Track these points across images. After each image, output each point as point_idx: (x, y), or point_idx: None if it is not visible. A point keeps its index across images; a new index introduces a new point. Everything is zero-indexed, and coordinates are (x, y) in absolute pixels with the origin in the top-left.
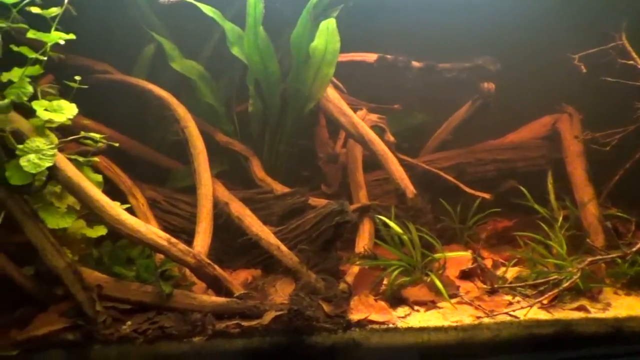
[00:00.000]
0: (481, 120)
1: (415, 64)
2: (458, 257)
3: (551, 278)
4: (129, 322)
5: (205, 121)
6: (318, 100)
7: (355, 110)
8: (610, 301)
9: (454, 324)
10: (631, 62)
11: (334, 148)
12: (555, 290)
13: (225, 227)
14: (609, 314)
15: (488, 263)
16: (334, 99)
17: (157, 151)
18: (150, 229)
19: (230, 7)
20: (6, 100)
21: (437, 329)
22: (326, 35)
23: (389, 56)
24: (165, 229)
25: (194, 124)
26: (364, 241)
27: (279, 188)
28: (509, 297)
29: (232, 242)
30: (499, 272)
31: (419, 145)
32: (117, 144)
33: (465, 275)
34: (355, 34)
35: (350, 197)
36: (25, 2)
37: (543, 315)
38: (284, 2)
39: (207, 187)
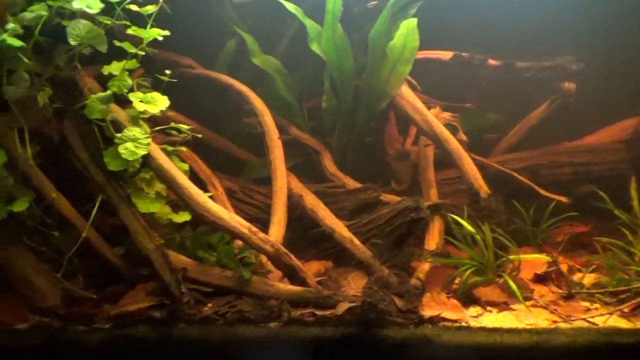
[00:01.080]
0: (557, 121)
1: (491, 62)
2: (531, 260)
3: (634, 286)
4: (209, 304)
5: (280, 115)
6: (392, 98)
7: (428, 108)
8: None
9: (529, 327)
10: None
11: (404, 145)
12: (638, 299)
13: (298, 219)
14: None
15: (563, 268)
16: (408, 96)
17: (233, 143)
18: (233, 217)
19: (303, 3)
20: (108, 92)
21: (510, 331)
22: (406, 33)
23: (464, 54)
24: (241, 217)
25: (271, 118)
26: (434, 239)
27: (350, 183)
28: (586, 304)
29: (304, 234)
30: (576, 277)
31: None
32: (200, 135)
33: (540, 278)
34: (430, 31)
35: (420, 194)
36: (128, 0)
37: (624, 324)
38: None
39: (282, 179)
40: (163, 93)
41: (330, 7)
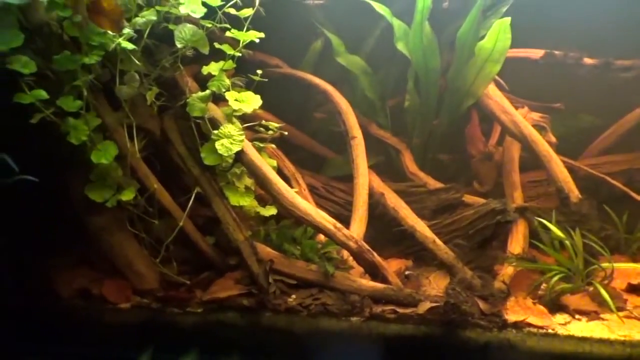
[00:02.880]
0: None
1: (587, 60)
2: (624, 269)
3: None
4: (294, 296)
5: (362, 114)
6: (478, 98)
7: (515, 109)
8: None
9: (621, 338)
10: None
11: (486, 146)
12: None
13: (379, 217)
14: None
15: None
16: (495, 96)
17: (315, 140)
18: (319, 214)
19: (395, 3)
20: (207, 91)
21: (601, 341)
22: (497, 33)
23: (557, 52)
24: None
25: (354, 117)
26: (518, 242)
27: (432, 182)
28: None
29: (384, 232)
30: None
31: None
32: (286, 133)
33: (634, 289)
34: (521, 29)
35: (503, 196)
36: (229, 4)
37: None
38: None
39: (364, 177)
40: (254, 92)
41: (420, 6)
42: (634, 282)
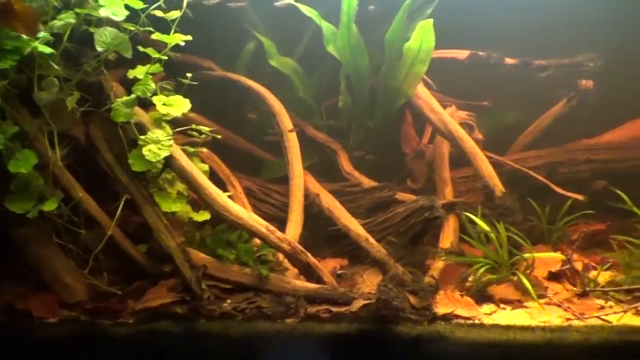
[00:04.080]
0: (576, 119)
1: (509, 60)
2: (546, 258)
3: None
4: (229, 301)
5: (297, 115)
6: (409, 97)
7: (444, 107)
8: None
9: (542, 324)
10: None
11: (420, 144)
12: None
13: (315, 217)
14: None
15: (578, 266)
16: (424, 95)
17: (252, 143)
18: (252, 217)
19: (323, 5)
20: (133, 96)
21: (523, 328)
22: (422, 34)
23: (481, 53)
24: (259, 216)
25: (288, 119)
26: (448, 237)
27: (366, 182)
28: (600, 301)
29: (321, 232)
30: (591, 275)
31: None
32: (219, 136)
33: (554, 276)
34: (446, 30)
35: (435, 193)
36: (152, 7)
37: (638, 321)
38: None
39: (299, 178)
40: (184, 95)
41: (345, 8)
42: (554, 270)
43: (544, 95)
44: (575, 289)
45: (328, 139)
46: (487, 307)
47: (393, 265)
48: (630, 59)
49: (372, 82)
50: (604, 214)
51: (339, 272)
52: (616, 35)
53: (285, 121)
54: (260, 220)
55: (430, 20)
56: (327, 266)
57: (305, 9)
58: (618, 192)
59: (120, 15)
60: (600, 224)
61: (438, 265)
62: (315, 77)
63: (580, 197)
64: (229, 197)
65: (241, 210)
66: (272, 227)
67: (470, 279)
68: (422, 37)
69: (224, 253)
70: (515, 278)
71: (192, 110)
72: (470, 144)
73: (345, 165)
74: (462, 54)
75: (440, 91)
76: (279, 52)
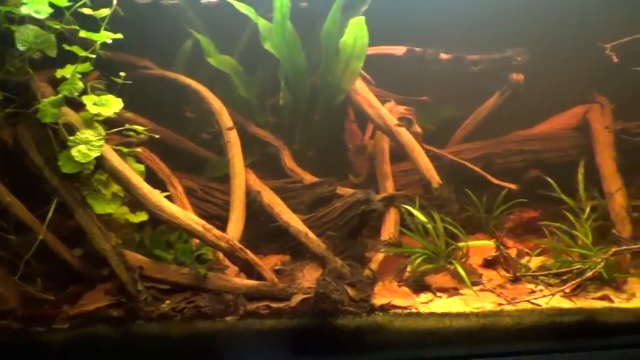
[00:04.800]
0: (512, 111)
1: (443, 55)
2: (483, 246)
3: (575, 267)
4: (167, 301)
5: (239, 114)
6: (347, 93)
7: (383, 103)
8: (636, 292)
9: (476, 310)
10: None
11: (363, 139)
12: (578, 280)
13: (257, 215)
14: (633, 304)
15: (512, 252)
16: (362, 91)
17: (194, 142)
18: (187, 216)
19: (262, 2)
20: (60, 95)
21: (458, 315)
22: (355, 30)
23: (417, 48)
24: (200, 215)
25: (228, 117)
26: (389, 229)
27: (308, 178)
28: (531, 286)
29: (263, 229)
30: (523, 261)
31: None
32: (157, 136)
33: (489, 263)
34: (384, 26)
35: (377, 186)
36: (77, 4)
37: (566, 304)
38: None
39: (240, 176)
40: (121, 95)
41: (278, 4)
42: (489, 257)
43: (479, 89)
44: (508, 275)
45: (270, 136)
46: (424, 296)
47: (332, 259)
48: (560, 52)
49: (312, 79)
50: (539, 201)
51: (277, 267)
52: (545, 29)
53: (225, 119)
54: (197, 218)
55: (362, 17)
56: (269, 262)
57: (240, 6)
58: (549, 180)
59: (44, 13)
60: (534, 212)
61: (378, 257)
62: (257, 75)
63: (513, 186)
64: (169, 197)
65: (176, 210)
66: (208, 226)
67: (408, 269)
68: (355, 33)
69: (162, 254)
70: (452, 267)
71: (130, 110)
72: (407, 137)
73: (288, 162)
74: (400, 50)
75: (381, 87)
76: (219, 50)
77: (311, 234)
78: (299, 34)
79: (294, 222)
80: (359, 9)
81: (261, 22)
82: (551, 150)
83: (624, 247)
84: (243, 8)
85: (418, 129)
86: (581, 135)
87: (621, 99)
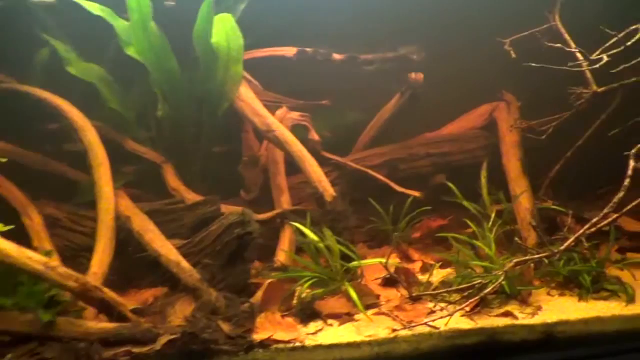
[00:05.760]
0: (419, 112)
1: (336, 56)
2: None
3: (476, 282)
4: (9, 355)
5: (114, 128)
6: (232, 100)
7: (276, 108)
8: (542, 304)
9: (368, 339)
10: (558, 45)
11: (260, 150)
12: (477, 297)
13: (126, 243)
14: (538, 319)
15: (417, 266)
16: (246, 98)
17: (62, 163)
18: (23, 253)
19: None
20: None
21: (349, 345)
22: (224, 31)
23: (308, 49)
24: (67, 247)
25: (94, 133)
26: (283, 251)
27: (191, 197)
28: (432, 305)
29: (139, 259)
30: (426, 276)
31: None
32: (4, 160)
33: (389, 282)
34: (276, 27)
35: (271, 202)
36: None
37: (466, 323)
38: None
39: (108, 200)
40: None
41: (134, 4)
42: (386, 274)
43: (382, 90)
44: (407, 293)
45: (151, 152)
46: (313, 326)
47: (206, 290)
48: (466, 49)
49: (190, 86)
50: (451, 208)
51: (136, 307)
52: (446, 24)
53: (91, 136)
54: (36, 255)
55: (228, 15)
56: (142, 298)
57: (93, 7)
58: (450, 185)
59: None
60: (442, 220)
61: (264, 284)
62: (136, 85)
63: (417, 194)
64: (23, 230)
65: (9, 247)
66: (53, 263)
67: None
68: (226, 34)
69: (2, 300)
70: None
71: None
72: (297, 147)
73: (171, 180)
74: (290, 51)
75: (278, 91)
76: (84, 58)
77: (184, 263)
78: (180, 38)
79: (165, 250)
80: (236, 7)
81: (119, 24)
82: (459, 152)
83: (525, 258)
84: (95, 9)
85: (315, 137)
86: (489, 134)
87: (531, 96)
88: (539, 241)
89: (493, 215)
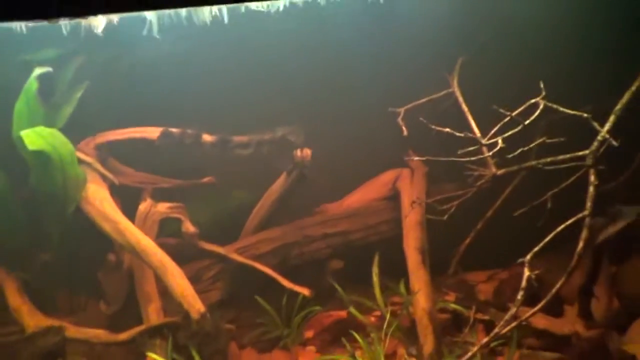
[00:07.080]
0: (316, 184)
1: (206, 137)
2: None
3: None
4: None
5: None
6: (78, 202)
7: (152, 190)
8: None
9: None
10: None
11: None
12: None
13: None
14: None
15: None
16: (94, 200)
17: None
18: None
19: None
20: None
21: None
22: (46, 142)
23: (174, 130)
24: None
25: None
26: None
27: (33, 323)
28: None
29: None
30: None
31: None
32: None
33: None
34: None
35: (138, 315)
36: None
37: None
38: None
39: None
40: None
41: None
42: None
43: (268, 168)
44: None
45: None
46: None
47: None
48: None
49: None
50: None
51: None
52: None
53: None
54: None
55: (41, 128)
56: None
57: None
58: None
59: None
60: (340, 311)
61: None
62: None
63: (306, 292)
64: None
65: None
66: None
67: None
68: (49, 143)
69: None
70: None
71: None
72: (157, 257)
73: (13, 300)
74: (154, 132)
75: (153, 171)
76: None
77: None
78: None
79: None
80: (71, 96)
81: None
82: (359, 229)
83: None
84: None
85: (191, 228)
86: (394, 205)
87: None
88: (436, 349)
89: (388, 316)
